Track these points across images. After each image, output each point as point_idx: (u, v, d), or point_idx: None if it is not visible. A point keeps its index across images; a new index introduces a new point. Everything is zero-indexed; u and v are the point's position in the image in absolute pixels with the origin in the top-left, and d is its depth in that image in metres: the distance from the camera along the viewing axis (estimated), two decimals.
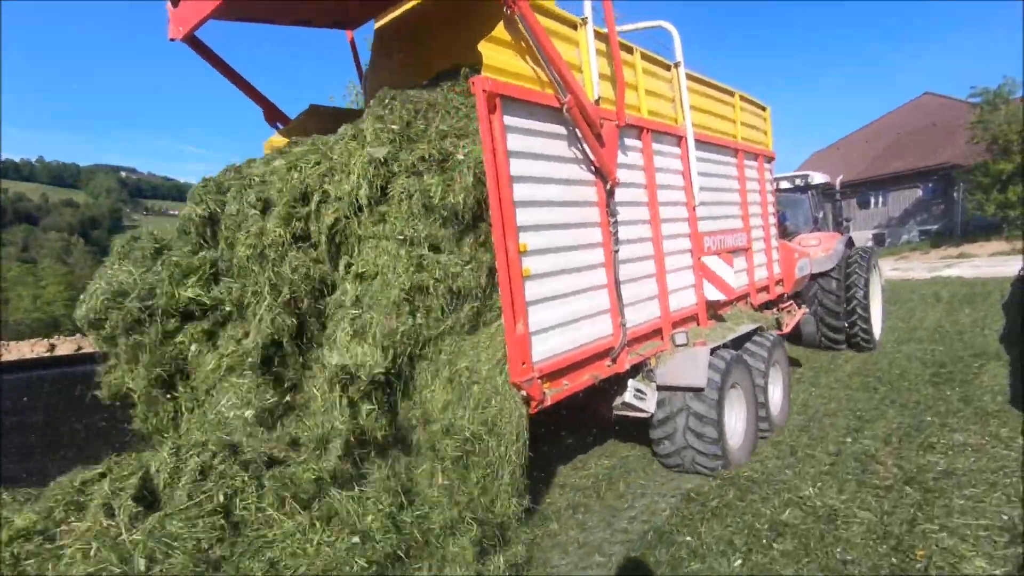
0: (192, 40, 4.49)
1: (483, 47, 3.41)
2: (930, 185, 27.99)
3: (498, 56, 3.50)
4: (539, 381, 3.59)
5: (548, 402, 3.68)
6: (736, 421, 5.17)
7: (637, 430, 5.41)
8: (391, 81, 5.32)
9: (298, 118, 5.37)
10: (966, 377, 7.12)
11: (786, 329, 7.39)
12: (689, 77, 5.60)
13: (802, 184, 9.79)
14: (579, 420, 5.53)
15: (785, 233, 9.13)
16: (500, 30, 3.52)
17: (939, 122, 29.46)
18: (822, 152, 35.13)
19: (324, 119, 5.28)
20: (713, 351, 4.88)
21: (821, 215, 9.96)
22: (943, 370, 7.55)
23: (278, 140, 5.14)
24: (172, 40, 4.41)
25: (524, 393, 3.50)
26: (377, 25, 5.92)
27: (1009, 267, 15.99)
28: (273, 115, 5.30)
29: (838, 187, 10.45)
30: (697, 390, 4.70)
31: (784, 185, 9.79)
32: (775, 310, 7.73)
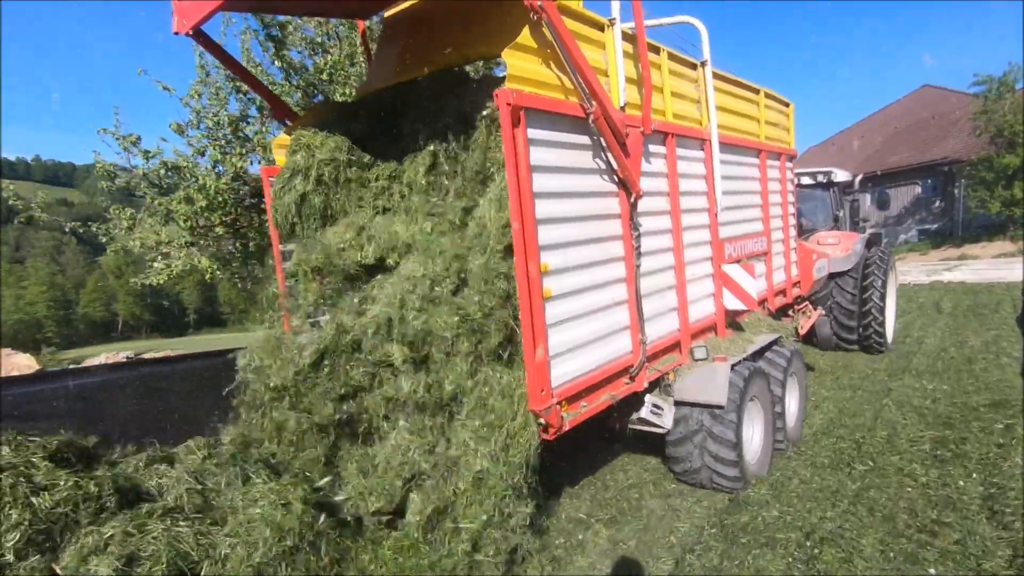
0: (198, 34, 4.26)
1: (507, 55, 3.19)
2: (929, 181, 26.27)
3: (522, 64, 3.28)
4: (558, 407, 3.46)
5: (566, 427, 3.55)
6: (753, 435, 5.05)
7: (647, 444, 5.29)
8: (395, 71, 5.10)
9: (305, 115, 5.15)
10: (986, 451, 4.92)
11: (801, 332, 7.24)
12: (715, 76, 5.35)
13: (824, 181, 9.54)
14: (591, 433, 5.40)
15: (801, 231, 8.92)
16: (525, 36, 3.30)
17: (939, 115, 27.80)
18: (817, 147, 33.64)
19: (330, 115, 5.07)
20: (733, 366, 4.73)
21: (841, 213, 9.73)
22: (950, 433, 5.43)
23: (286, 139, 4.93)
24: (177, 34, 4.18)
25: (543, 421, 3.37)
26: (387, 14, 5.66)
27: (1015, 270, 14.83)
28: (281, 111, 5.09)
29: (857, 185, 10.19)
30: (716, 407, 4.56)
31: (805, 181, 9.54)
32: (791, 311, 7.58)
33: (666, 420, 4.69)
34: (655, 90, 4.45)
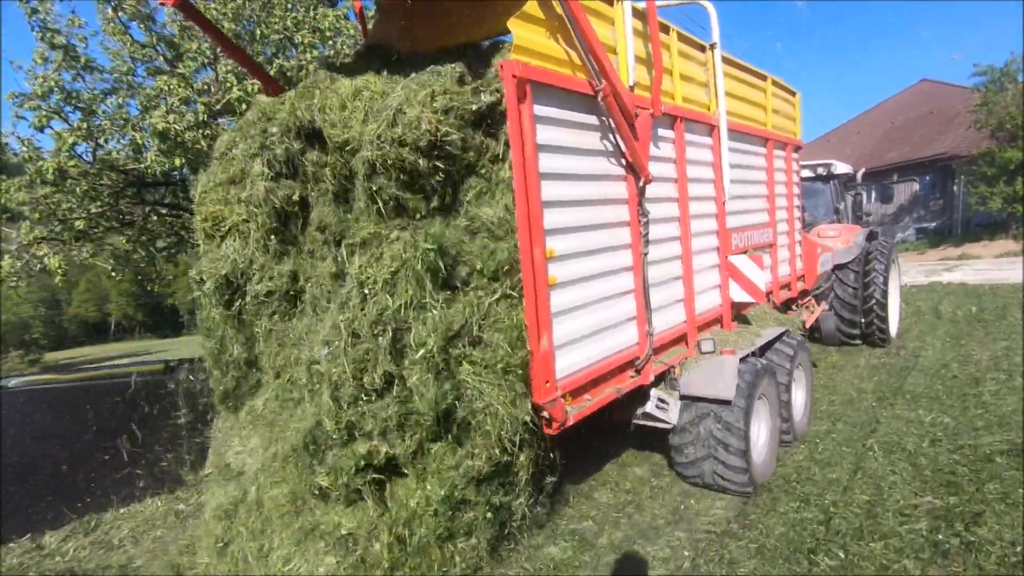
0: (184, 5, 4.03)
1: (513, 25, 3.00)
2: (927, 178, 25.18)
3: (529, 35, 3.08)
4: (562, 400, 3.28)
5: (570, 422, 3.37)
6: (760, 432, 4.89)
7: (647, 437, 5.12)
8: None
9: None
10: (1011, 539, 3.48)
11: (806, 327, 7.10)
12: (724, 60, 5.17)
13: (824, 173, 9.41)
14: (593, 429, 5.20)
15: (803, 223, 8.80)
16: (532, 5, 3.10)
17: (937, 110, 26.88)
18: (811, 144, 32.97)
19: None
20: (741, 360, 4.57)
21: (841, 206, 9.61)
22: (956, 501, 4.01)
23: None
24: (162, 5, 3.96)
25: (547, 415, 3.19)
26: None
27: (1018, 271, 14.00)
28: (271, 88, 4.85)
29: (859, 179, 10.08)
30: (724, 403, 4.40)
31: (805, 174, 9.40)
32: (794, 306, 7.43)
33: (672, 415, 4.53)
34: (664, 71, 4.27)
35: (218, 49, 6.69)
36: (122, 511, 4.39)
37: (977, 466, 4.53)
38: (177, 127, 6.23)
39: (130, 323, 38.33)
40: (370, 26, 5.12)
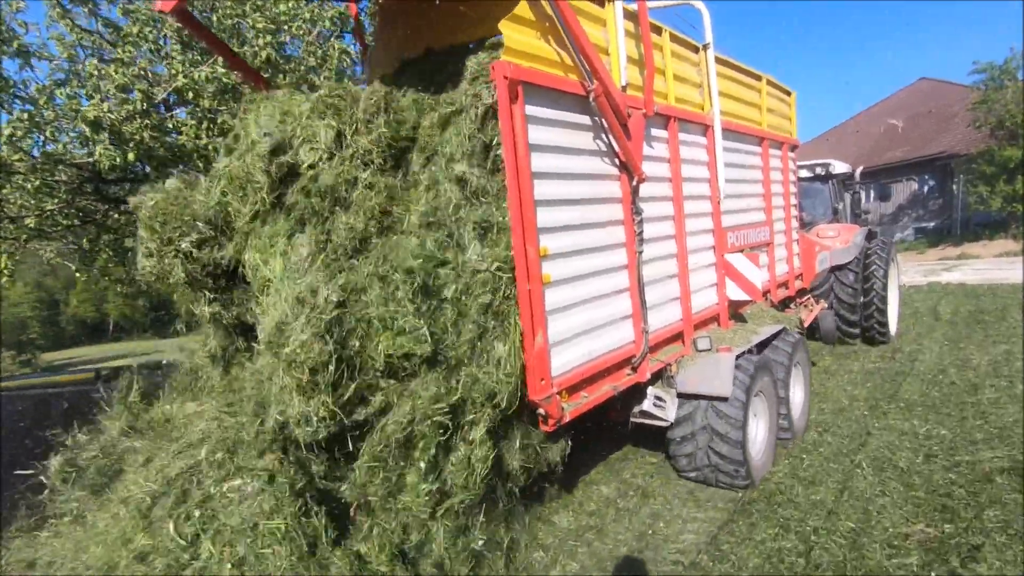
0: (181, 12, 4.10)
1: (504, 27, 3.04)
2: (926, 177, 24.83)
3: (520, 37, 3.13)
4: (558, 397, 3.31)
5: (566, 419, 3.40)
6: (758, 429, 4.91)
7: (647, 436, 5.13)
8: (394, 55, 4.97)
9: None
10: None
11: (804, 325, 7.11)
12: (717, 61, 5.21)
13: (823, 173, 9.44)
14: (590, 425, 5.19)
15: (802, 223, 8.82)
16: (523, 7, 3.15)
17: (936, 108, 26.55)
18: (810, 143, 32.73)
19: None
20: (738, 357, 4.60)
21: (840, 206, 9.63)
22: (952, 528, 3.69)
23: None
24: (160, 12, 4.04)
25: (542, 411, 3.22)
26: None
27: (1018, 271, 13.74)
28: (260, 86, 4.91)
29: (858, 177, 10.10)
30: (721, 399, 4.42)
31: (804, 173, 9.42)
32: (792, 304, 7.45)
33: (669, 413, 4.55)
34: (657, 72, 4.31)
35: (163, 36, 6.40)
36: (23, 538, 3.50)
37: (975, 487, 4.15)
38: (112, 116, 5.84)
39: (128, 323, 38.22)
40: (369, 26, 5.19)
